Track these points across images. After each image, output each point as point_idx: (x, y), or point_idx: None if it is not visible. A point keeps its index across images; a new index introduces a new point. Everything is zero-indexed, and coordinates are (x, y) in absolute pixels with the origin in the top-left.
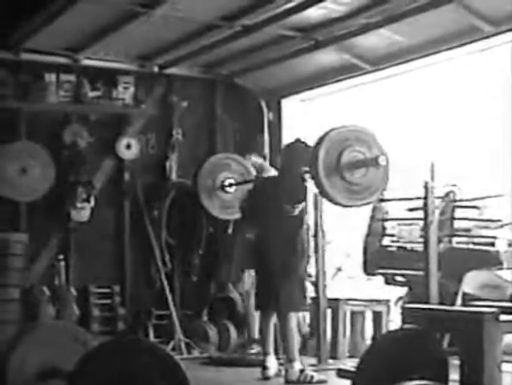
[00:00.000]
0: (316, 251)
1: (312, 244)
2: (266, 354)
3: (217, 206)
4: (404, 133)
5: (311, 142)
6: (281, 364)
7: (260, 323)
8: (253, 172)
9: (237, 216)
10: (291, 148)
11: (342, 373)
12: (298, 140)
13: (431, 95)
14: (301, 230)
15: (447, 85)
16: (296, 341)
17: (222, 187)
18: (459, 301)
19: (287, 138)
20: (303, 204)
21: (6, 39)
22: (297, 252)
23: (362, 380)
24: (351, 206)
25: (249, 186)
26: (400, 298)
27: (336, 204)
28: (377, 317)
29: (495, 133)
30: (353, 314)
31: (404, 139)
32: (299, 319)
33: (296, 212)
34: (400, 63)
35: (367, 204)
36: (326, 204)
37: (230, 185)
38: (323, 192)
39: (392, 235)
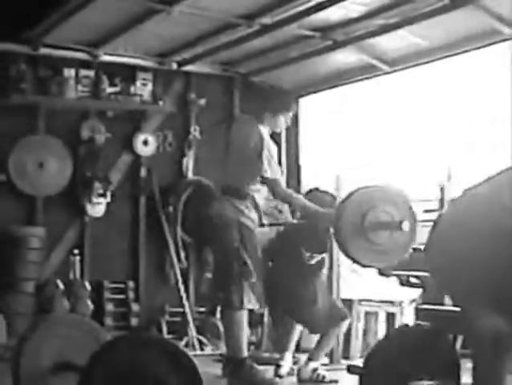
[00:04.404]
0: (331, 248)
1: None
2: (283, 350)
3: None
4: (420, 132)
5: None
6: (295, 363)
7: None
8: (287, 214)
9: None
10: (312, 197)
11: (352, 369)
12: (317, 189)
13: (449, 96)
14: (316, 280)
15: (465, 86)
16: (328, 348)
17: None
18: None
19: (304, 136)
20: (323, 255)
21: (25, 34)
22: (308, 299)
23: (370, 376)
24: (373, 266)
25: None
26: (414, 300)
27: (359, 264)
28: (391, 318)
29: None
30: (367, 314)
31: (420, 139)
32: None
33: (313, 261)
34: (419, 64)
35: (391, 263)
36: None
37: (262, 225)
38: (345, 252)
39: None
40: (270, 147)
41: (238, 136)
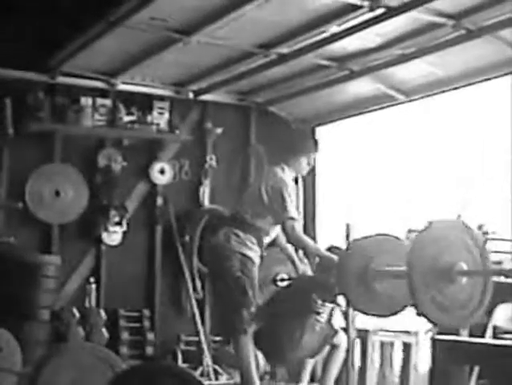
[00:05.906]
0: None
1: None
2: (298, 380)
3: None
4: (434, 160)
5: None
6: None
7: None
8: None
9: None
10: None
11: None
12: (335, 247)
13: (462, 124)
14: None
15: (481, 115)
16: (335, 372)
17: (274, 281)
18: (489, 333)
19: (320, 164)
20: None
21: (43, 62)
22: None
23: None
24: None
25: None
26: (430, 330)
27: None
28: (407, 348)
29: None
30: (382, 344)
31: (434, 167)
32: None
33: (324, 309)
34: (436, 94)
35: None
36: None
37: (282, 280)
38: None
39: None
40: (291, 191)
41: (265, 181)
